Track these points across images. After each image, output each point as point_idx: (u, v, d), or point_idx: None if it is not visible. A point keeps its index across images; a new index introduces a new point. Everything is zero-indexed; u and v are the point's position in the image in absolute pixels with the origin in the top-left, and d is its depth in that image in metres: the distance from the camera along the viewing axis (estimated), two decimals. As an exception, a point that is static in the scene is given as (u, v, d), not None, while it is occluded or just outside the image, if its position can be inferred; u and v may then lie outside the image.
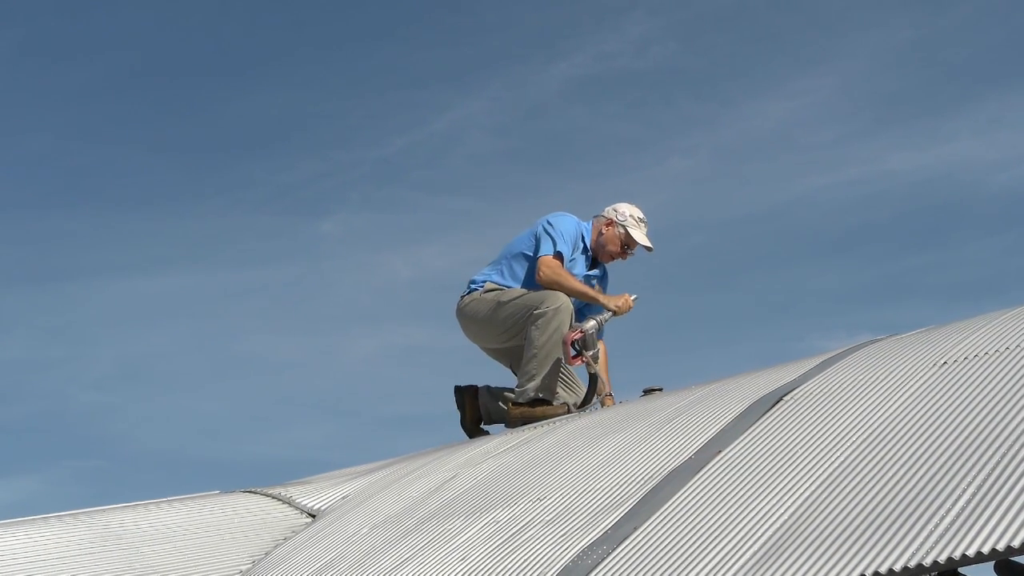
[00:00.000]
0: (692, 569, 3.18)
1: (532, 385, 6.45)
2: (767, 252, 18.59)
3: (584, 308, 6.74)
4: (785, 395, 4.37)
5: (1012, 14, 17.07)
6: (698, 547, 3.30)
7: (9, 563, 4.94)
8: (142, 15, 18.74)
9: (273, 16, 19.18)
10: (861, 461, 3.48)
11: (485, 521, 4.21)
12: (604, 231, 6.82)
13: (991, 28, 17.58)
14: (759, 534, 3.24)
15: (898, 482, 3.22)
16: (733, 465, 3.84)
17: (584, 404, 6.50)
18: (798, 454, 3.72)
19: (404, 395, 18.43)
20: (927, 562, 2.73)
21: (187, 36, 19.03)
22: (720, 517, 3.44)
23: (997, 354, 4.02)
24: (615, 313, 6.59)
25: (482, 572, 3.75)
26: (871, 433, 3.68)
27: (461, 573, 3.81)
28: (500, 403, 6.74)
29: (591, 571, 3.43)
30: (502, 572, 3.69)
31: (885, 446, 3.53)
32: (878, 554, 2.86)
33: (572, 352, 6.40)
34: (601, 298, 6.64)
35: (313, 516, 5.44)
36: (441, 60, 19.29)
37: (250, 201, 19.39)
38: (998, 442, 3.24)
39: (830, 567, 2.89)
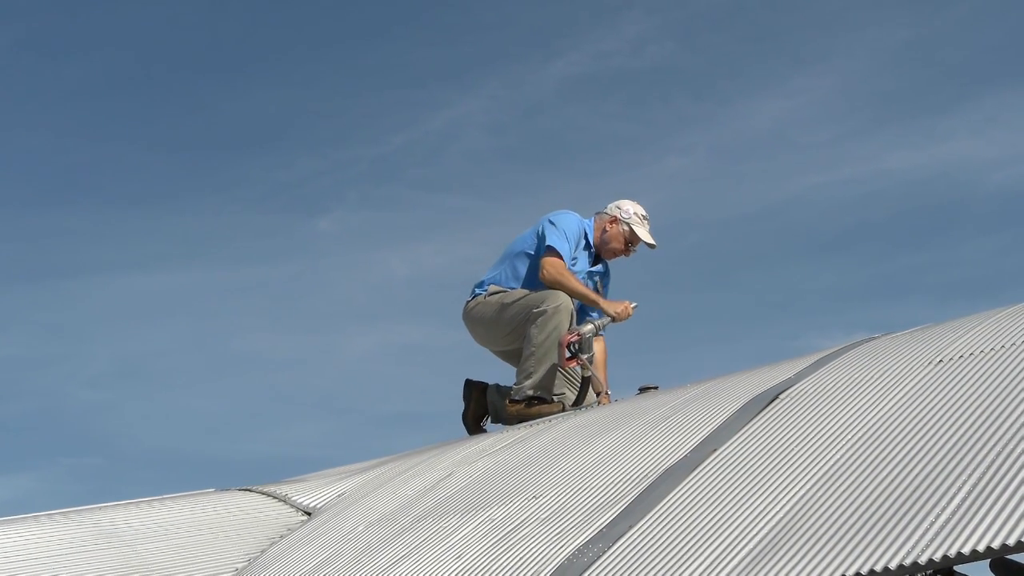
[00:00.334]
0: (687, 567, 3.18)
1: (529, 383, 6.46)
2: (764, 251, 18.62)
3: (584, 309, 6.75)
4: (780, 394, 4.38)
5: (1008, 14, 17.11)
6: (693, 545, 3.30)
7: (5, 560, 4.94)
8: (140, 13, 18.76)
9: (271, 14, 19.20)
10: (856, 459, 3.48)
11: (480, 519, 4.20)
12: (608, 228, 6.83)
13: (987, 27, 17.62)
14: (754, 532, 3.24)
15: (893, 480, 3.22)
16: (728, 463, 3.84)
17: (576, 406, 6.50)
18: (793, 452, 3.72)
19: (400, 393, 18.45)
20: (922, 560, 2.73)
21: (185, 34, 19.05)
22: (715, 515, 3.44)
23: (992, 352, 4.02)
24: (614, 319, 6.59)
25: (477, 570, 3.75)
26: (866, 431, 3.68)
27: (456, 571, 3.81)
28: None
29: (586, 569, 3.43)
30: (497, 570, 3.69)
31: (880, 444, 3.53)
32: (873, 552, 2.86)
33: (567, 354, 6.41)
34: (602, 302, 6.64)
35: (309, 514, 5.44)
36: (438, 59, 19.32)
37: (247, 199, 19.42)
38: (993, 440, 3.24)
39: (825, 565, 2.89)
